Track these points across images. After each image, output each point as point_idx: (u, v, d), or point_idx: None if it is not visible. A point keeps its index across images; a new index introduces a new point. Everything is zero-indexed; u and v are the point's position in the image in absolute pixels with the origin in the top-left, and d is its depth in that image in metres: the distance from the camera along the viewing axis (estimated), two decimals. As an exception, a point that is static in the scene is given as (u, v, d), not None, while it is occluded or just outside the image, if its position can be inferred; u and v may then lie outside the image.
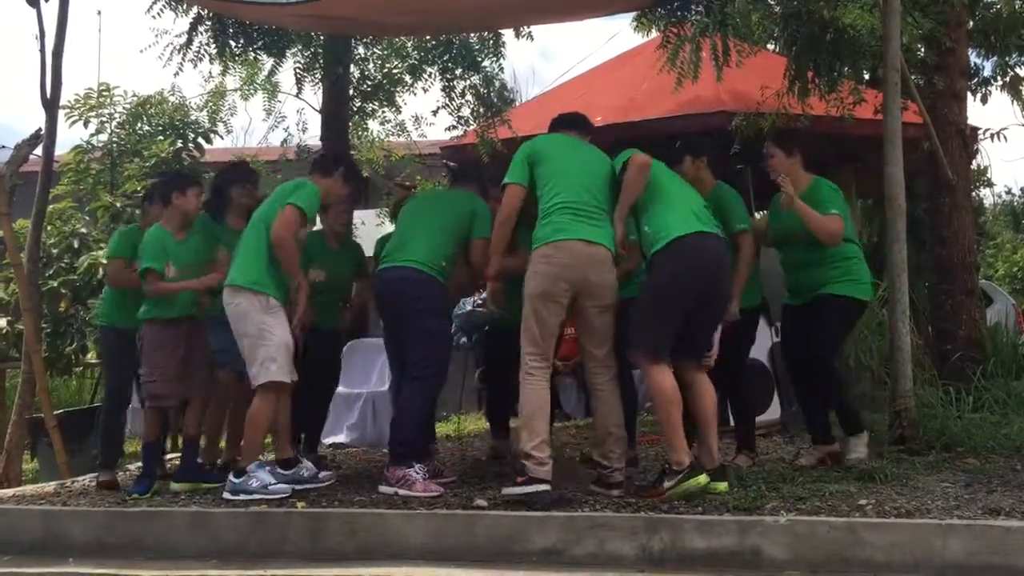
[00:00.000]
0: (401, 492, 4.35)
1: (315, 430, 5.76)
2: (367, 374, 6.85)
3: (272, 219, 4.56)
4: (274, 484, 4.49)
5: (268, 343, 4.50)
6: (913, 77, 6.48)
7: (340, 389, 6.26)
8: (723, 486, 4.16)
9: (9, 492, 5.29)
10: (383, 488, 4.43)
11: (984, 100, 10.64)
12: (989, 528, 3.44)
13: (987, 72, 10.93)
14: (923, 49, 6.90)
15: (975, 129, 7.37)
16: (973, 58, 9.67)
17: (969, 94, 7.94)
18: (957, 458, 4.79)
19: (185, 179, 5.25)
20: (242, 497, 4.39)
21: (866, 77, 8.61)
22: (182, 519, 4.21)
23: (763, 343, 5.67)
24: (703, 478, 4.07)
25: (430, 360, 4.56)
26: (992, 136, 7.41)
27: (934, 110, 6.43)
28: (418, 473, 4.46)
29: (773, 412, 5.85)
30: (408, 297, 4.58)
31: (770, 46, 9.19)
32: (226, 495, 4.47)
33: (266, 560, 3.89)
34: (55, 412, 6.35)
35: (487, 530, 3.83)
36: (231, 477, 4.52)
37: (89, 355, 7.71)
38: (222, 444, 5.34)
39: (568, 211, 4.22)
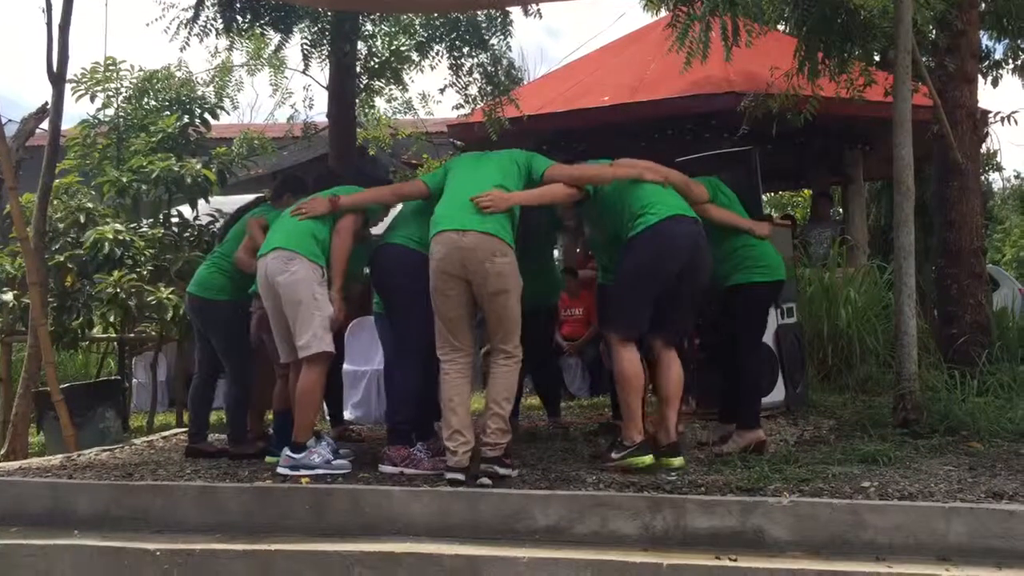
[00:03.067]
0: (407, 471, 4.38)
1: (336, 405, 5.93)
2: (372, 352, 6.83)
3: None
4: (336, 460, 4.48)
5: (323, 311, 4.52)
6: (924, 59, 6.44)
7: (346, 367, 6.30)
8: (678, 461, 4.37)
9: (15, 465, 5.31)
10: (385, 468, 4.45)
11: (995, 83, 10.62)
12: (992, 512, 3.45)
13: (998, 55, 10.89)
14: (934, 31, 6.84)
15: (985, 112, 7.33)
16: (984, 40, 9.61)
17: (980, 77, 7.90)
18: (961, 442, 4.79)
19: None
20: (303, 472, 4.37)
21: (876, 59, 8.56)
22: (188, 493, 4.23)
23: (769, 325, 5.66)
24: (648, 459, 4.25)
25: (423, 339, 4.57)
26: (1003, 119, 7.36)
27: (944, 93, 6.40)
28: (421, 451, 4.48)
29: (777, 394, 5.84)
30: (403, 274, 4.60)
31: (780, 26, 9.14)
32: (283, 470, 4.42)
33: (271, 535, 3.92)
34: (61, 386, 6.37)
35: (491, 508, 3.85)
36: (289, 452, 4.45)
37: (95, 329, 7.73)
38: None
39: (445, 205, 4.39)
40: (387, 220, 5.43)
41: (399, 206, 5.10)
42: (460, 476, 4.16)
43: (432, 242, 4.30)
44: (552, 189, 4.55)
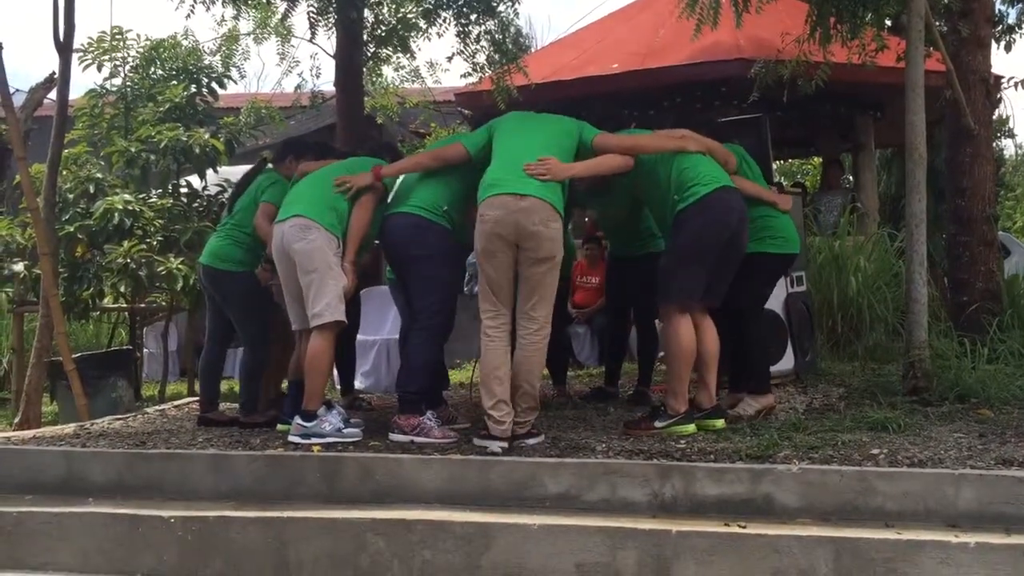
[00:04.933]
0: (418, 440, 4.39)
1: (348, 374, 5.93)
2: (381, 321, 6.87)
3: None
4: (347, 428, 4.50)
5: (338, 281, 4.52)
6: (937, 24, 6.36)
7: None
8: (720, 423, 4.48)
9: (29, 434, 5.36)
10: (396, 436, 4.45)
11: (1008, 48, 10.48)
12: (1002, 478, 3.45)
13: (1011, 19, 10.76)
14: (948, -5, 6.76)
15: (998, 78, 7.25)
16: (997, 5, 9.50)
17: (993, 42, 7.79)
18: (971, 409, 4.79)
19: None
20: (314, 441, 4.38)
21: (888, 24, 8.47)
22: (200, 461, 4.27)
23: (778, 293, 5.66)
24: (692, 428, 4.40)
25: (435, 308, 4.57)
26: (1016, 85, 7.28)
27: (957, 58, 6.31)
28: (431, 420, 4.50)
29: (787, 362, 5.84)
30: (413, 243, 4.59)
31: (791, -9, 9.03)
32: (295, 439, 4.43)
33: (283, 502, 3.95)
34: (73, 356, 6.41)
35: (501, 476, 3.87)
36: (300, 421, 4.47)
37: (106, 299, 7.76)
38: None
39: (501, 168, 4.35)
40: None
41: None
42: (506, 445, 4.17)
43: (484, 205, 4.25)
44: (607, 160, 4.54)
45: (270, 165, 5.35)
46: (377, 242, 5.13)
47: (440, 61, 12.01)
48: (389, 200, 4.85)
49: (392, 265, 5.02)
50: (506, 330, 4.36)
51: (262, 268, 5.02)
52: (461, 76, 8.97)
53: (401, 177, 4.95)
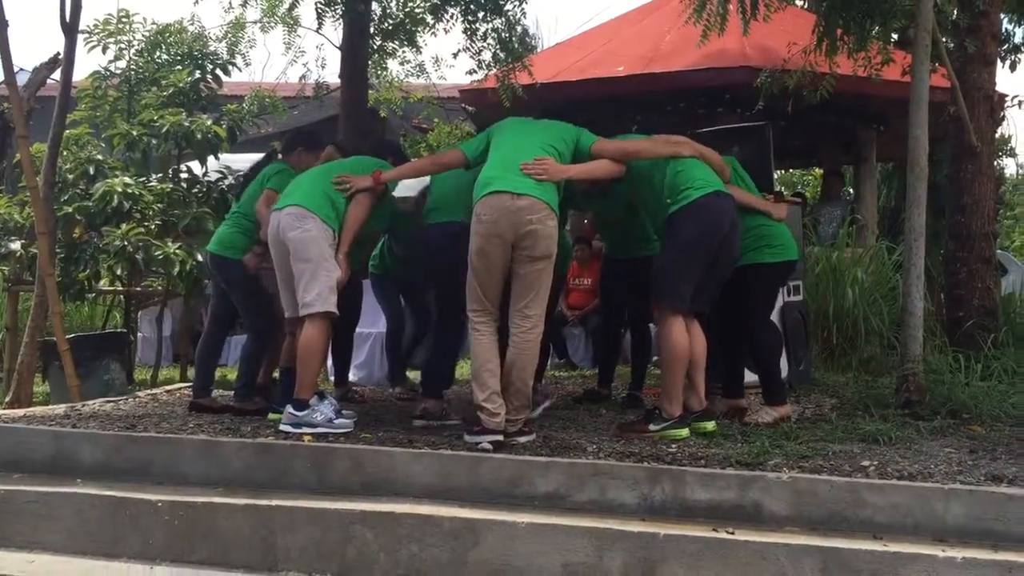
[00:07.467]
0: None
1: (344, 366, 5.96)
2: (378, 314, 6.86)
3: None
4: (338, 419, 4.50)
5: (331, 273, 4.53)
6: (943, 40, 6.36)
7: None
8: (711, 424, 4.53)
9: (19, 412, 5.34)
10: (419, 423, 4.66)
11: (1013, 67, 10.52)
12: (991, 495, 3.45)
13: (1018, 39, 10.79)
14: (955, 11, 6.77)
15: (1002, 96, 7.26)
16: (1004, 24, 9.52)
17: (998, 60, 7.80)
18: (963, 425, 4.79)
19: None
20: (305, 430, 4.38)
21: (894, 38, 8.48)
22: (190, 447, 4.26)
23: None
24: (686, 431, 4.40)
25: (461, 305, 4.58)
26: (1020, 103, 7.30)
27: (963, 74, 6.32)
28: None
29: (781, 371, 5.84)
30: (456, 248, 4.55)
31: (798, 1, 9.05)
32: (286, 427, 4.44)
33: (272, 491, 3.94)
34: (67, 337, 6.39)
35: (491, 472, 3.86)
36: (291, 410, 4.48)
37: (102, 282, 7.74)
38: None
39: (496, 167, 4.35)
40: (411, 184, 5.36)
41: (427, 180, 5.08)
42: (501, 438, 4.17)
43: (480, 203, 4.25)
44: (600, 164, 4.55)
45: (280, 156, 5.38)
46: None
47: (446, 57, 11.96)
48: (430, 206, 4.89)
49: (430, 268, 4.99)
50: (494, 324, 4.37)
51: (252, 253, 5.04)
52: (466, 73, 8.99)
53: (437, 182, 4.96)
